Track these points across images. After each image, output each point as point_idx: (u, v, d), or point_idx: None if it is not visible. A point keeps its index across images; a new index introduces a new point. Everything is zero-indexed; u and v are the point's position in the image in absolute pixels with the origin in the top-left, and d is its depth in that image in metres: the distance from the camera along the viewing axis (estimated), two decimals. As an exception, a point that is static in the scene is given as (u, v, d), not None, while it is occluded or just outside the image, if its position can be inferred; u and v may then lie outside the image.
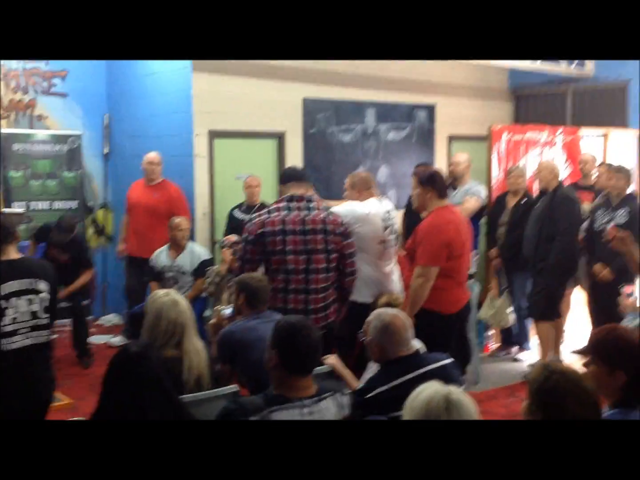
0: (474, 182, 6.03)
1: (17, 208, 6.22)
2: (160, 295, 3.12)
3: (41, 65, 6.59)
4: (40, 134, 6.54)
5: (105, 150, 7.01)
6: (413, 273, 4.02)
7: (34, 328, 3.14)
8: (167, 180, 6.10)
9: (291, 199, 3.87)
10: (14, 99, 6.48)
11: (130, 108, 6.75)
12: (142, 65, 6.50)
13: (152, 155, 6.07)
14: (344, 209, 4.29)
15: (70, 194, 6.64)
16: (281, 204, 3.86)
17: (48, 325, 3.22)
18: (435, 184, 4.06)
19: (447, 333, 4.01)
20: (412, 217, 5.72)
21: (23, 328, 3.11)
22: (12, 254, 3.18)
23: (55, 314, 3.30)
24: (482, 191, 5.96)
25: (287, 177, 4.04)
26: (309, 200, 3.90)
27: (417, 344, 3.08)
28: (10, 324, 3.06)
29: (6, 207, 5.82)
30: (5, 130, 6.34)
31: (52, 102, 6.70)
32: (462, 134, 7.77)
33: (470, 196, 5.86)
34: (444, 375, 2.59)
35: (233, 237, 5.13)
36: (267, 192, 6.18)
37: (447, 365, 2.93)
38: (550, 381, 2.07)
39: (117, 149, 6.99)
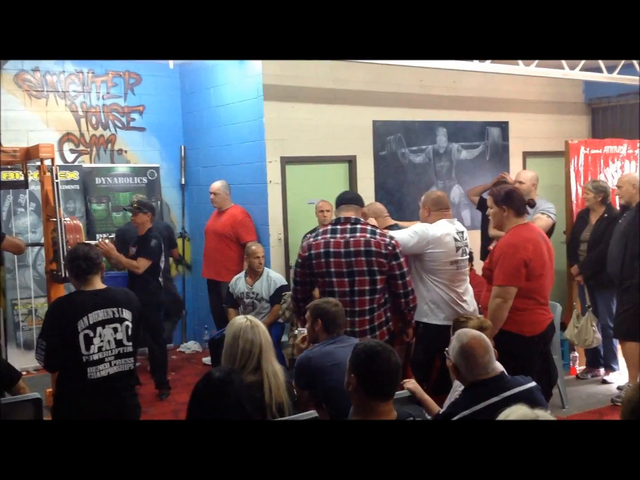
0: (542, 199, 5.87)
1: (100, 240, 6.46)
2: (239, 318, 3.17)
3: (120, 101, 6.87)
4: (121, 167, 6.79)
5: (182, 181, 7.20)
6: (490, 294, 3.94)
7: (119, 356, 3.24)
8: (237, 205, 6.27)
9: (338, 221, 3.92)
10: (95, 134, 6.76)
11: (204, 139, 6.93)
12: (215, 97, 6.68)
13: (214, 185, 6.29)
14: (417, 230, 4.26)
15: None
16: (328, 227, 3.94)
17: (132, 353, 3.31)
18: (511, 202, 3.98)
19: (529, 356, 3.90)
20: (489, 237, 5.62)
21: (109, 356, 3.20)
22: (97, 284, 3.29)
23: (139, 342, 3.40)
24: (552, 209, 5.80)
25: (338, 201, 4.11)
26: (355, 223, 3.92)
27: (499, 367, 2.99)
28: (96, 353, 3.16)
29: (90, 239, 6.05)
30: (88, 165, 6.62)
31: (131, 136, 6.96)
32: (538, 150, 7.61)
33: (541, 214, 5.71)
34: (529, 398, 2.51)
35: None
36: (340, 216, 6.21)
37: (532, 389, 2.84)
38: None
39: (193, 179, 7.18)
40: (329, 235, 3.88)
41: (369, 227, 3.95)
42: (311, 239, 3.93)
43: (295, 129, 6.24)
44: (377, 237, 3.89)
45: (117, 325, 3.23)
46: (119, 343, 3.23)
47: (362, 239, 3.85)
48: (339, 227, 3.91)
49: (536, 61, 5.96)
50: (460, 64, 5.70)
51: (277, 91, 6.08)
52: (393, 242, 3.94)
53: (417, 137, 6.93)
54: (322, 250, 3.85)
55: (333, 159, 6.55)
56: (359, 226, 3.91)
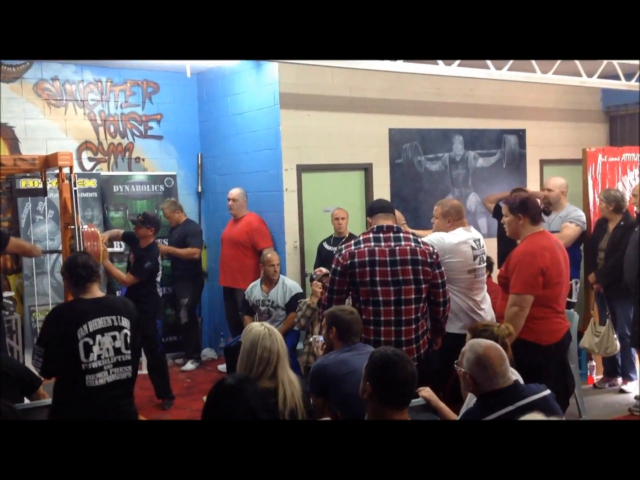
0: (571, 207, 5.83)
1: (117, 248, 6.52)
2: (255, 325, 3.18)
3: (138, 110, 6.93)
4: (138, 175, 6.85)
5: (199, 189, 7.24)
6: (506, 302, 3.92)
7: (117, 364, 3.24)
8: (252, 212, 6.32)
9: (380, 229, 3.86)
10: (114, 143, 6.83)
11: (221, 147, 6.97)
12: (232, 105, 6.72)
13: (233, 191, 6.34)
14: (432, 239, 4.24)
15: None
16: (370, 235, 3.86)
17: (130, 361, 3.30)
18: (527, 211, 3.96)
19: (546, 364, 3.86)
20: (505, 244, 5.58)
21: (107, 365, 3.21)
22: (96, 292, 3.31)
23: (137, 350, 3.40)
24: (582, 217, 5.76)
25: (374, 208, 4.05)
26: (398, 231, 3.88)
27: (514, 375, 2.97)
28: (95, 361, 3.17)
29: (108, 246, 6.09)
30: (105, 173, 6.68)
31: (149, 145, 7.02)
32: (555, 158, 7.56)
33: (570, 222, 5.66)
34: (544, 407, 2.49)
35: (323, 270, 5.17)
36: (355, 224, 6.21)
37: (547, 397, 2.81)
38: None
39: (210, 186, 7.21)
40: (372, 244, 3.80)
41: (411, 236, 3.93)
42: (352, 248, 3.82)
43: (312, 137, 6.26)
44: (422, 245, 3.87)
45: (116, 333, 3.24)
46: (117, 351, 3.24)
47: (408, 247, 3.80)
48: (381, 235, 3.84)
49: (553, 69, 5.93)
50: (477, 72, 5.69)
51: (294, 99, 6.11)
52: (436, 250, 3.93)
53: (433, 144, 6.92)
54: (367, 258, 3.76)
55: (349, 166, 6.55)
56: (402, 234, 3.87)
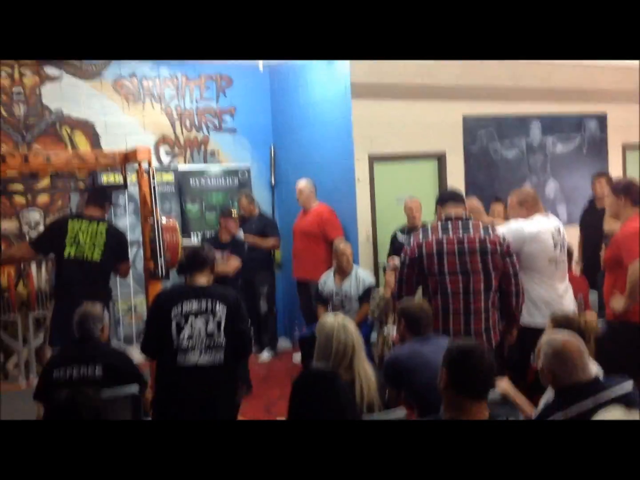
0: None
1: (195, 240, 6.67)
2: (330, 318, 3.19)
3: (212, 103, 7.05)
4: (213, 168, 6.98)
5: (272, 181, 7.32)
6: (610, 283, 3.88)
7: (209, 347, 3.35)
8: (323, 203, 6.30)
9: (448, 219, 3.81)
10: (189, 137, 6.97)
11: (293, 138, 7.01)
12: (304, 96, 6.74)
13: (300, 183, 6.35)
14: (512, 227, 4.16)
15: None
16: (438, 225, 3.83)
17: (222, 346, 3.38)
18: (630, 193, 3.92)
19: None
20: (590, 230, 5.40)
21: (198, 345, 3.33)
22: (200, 280, 3.49)
23: (237, 338, 3.44)
24: None
25: (444, 198, 4.00)
26: (467, 220, 3.82)
27: (595, 369, 2.88)
28: (185, 340, 3.33)
29: (185, 237, 6.24)
30: (182, 167, 6.84)
31: (223, 138, 7.13)
32: (638, 143, 7.25)
33: None
34: (626, 402, 2.40)
35: (396, 260, 5.13)
36: (429, 214, 6.13)
37: (631, 393, 2.71)
38: None
39: (283, 178, 7.27)
40: (440, 234, 3.76)
41: (481, 225, 3.86)
42: (420, 238, 3.79)
43: (384, 126, 6.21)
44: (492, 235, 3.79)
45: (210, 317, 3.36)
46: (209, 334, 3.35)
47: (477, 236, 3.74)
48: (450, 225, 3.79)
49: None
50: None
51: (365, 88, 6.07)
52: (507, 239, 3.85)
53: (509, 131, 6.76)
54: (435, 249, 3.73)
55: (422, 155, 6.48)
56: (471, 224, 3.82)
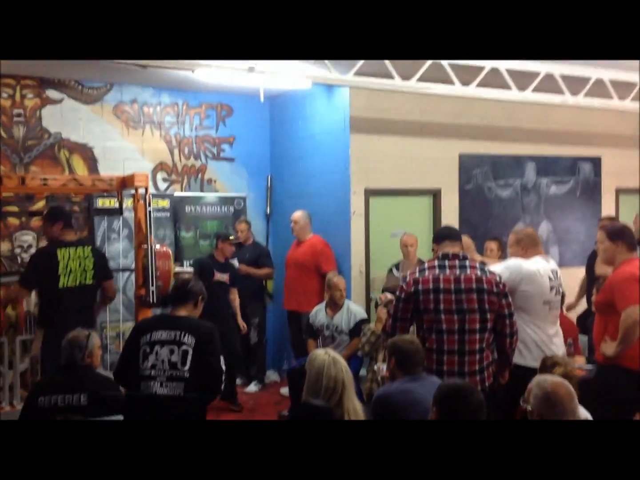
0: None
1: (188, 267, 6.65)
2: (320, 353, 3.17)
3: (212, 132, 7.09)
4: (209, 196, 6.99)
5: (267, 211, 7.33)
6: (601, 327, 3.85)
7: (170, 378, 3.32)
8: (317, 235, 6.32)
9: (445, 257, 3.82)
10: (187, 164, 7.00)
11: (290, 169, 7.05)
12: (303, 128, 6.80)
13: (295, 214, 6.38)
14: (510, 264, 4.18)
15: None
16: (435, 263, 3.83)
17: (186, 379, 3.31)
18: (625, 237, 3.93)
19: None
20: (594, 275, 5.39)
21: (160, 376, 3.32)
22: (180, 313, 3.51)
23: (206, 372, 3.37)
24: None
25: (441, 236, 4.00)
26: (464, 259, 3.83)
27: (584, 414, 2.87)
28: (148, 369, 3.34)
29: (178, 265, 6.22)
30: (178, 194, 6.86)
31: (221, 167, 7.16)
32: (632, 187, 7.31)
33: None
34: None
35: (388, 296, 5.12)
36: (423, 250, 6.14)
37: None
38: None
39: (278, 208, 7.29)
40: (437, 271, 3.75)
41: (477, 264, 3.87)
42: (416, 274, 3.78)
43: (381, 161, 6.26)
44: (488, 274, 3.79)
45: (175, 347, 3.34)
46: (172, 365, 3.32)
47: (474, 275, 3.74)
48: (447, 262, 3.79)
49: (632, 95, 5.77)
50: (551, 98, 5.59)
51: (364, 123, 6.13)
52: (504, 279, 3.86)
53: (504, 170, 6.82)
54: (431, 286, 3.71)
55: (418, 191, 6.52)
56: (467, 262, 3.82)
